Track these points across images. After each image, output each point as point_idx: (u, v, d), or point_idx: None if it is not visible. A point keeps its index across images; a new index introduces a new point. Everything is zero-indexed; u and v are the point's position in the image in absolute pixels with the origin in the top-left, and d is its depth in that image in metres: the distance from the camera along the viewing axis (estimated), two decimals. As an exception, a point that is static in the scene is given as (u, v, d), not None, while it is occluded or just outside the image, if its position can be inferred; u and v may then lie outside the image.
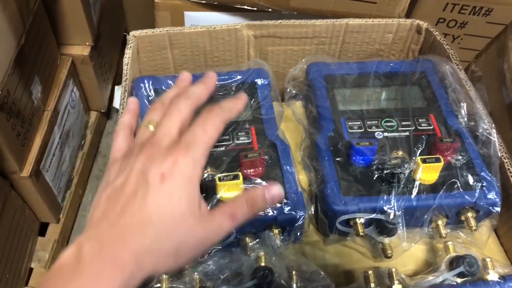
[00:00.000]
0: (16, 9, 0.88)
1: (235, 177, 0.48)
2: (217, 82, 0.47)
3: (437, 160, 0.50)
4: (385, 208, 0.49)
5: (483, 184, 0.51)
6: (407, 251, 0.53)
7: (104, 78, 1.33)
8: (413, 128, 0.56)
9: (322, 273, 0.46)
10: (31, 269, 1.06)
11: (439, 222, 0.51)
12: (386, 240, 0.50)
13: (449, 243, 0.50)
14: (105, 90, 1.35)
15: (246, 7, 0.77)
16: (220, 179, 0.48)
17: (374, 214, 0.49)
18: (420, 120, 0.57)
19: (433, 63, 0.62)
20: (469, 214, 0.51)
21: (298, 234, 0.51)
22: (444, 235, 0.51)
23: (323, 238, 0.54)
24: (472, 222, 0.51)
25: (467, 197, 0.50)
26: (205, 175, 0.50)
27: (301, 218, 0.49)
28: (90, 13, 1.16)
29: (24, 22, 0.91)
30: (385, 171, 0.51)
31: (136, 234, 0.33)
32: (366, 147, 0.52)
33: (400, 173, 0.50)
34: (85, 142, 1.30)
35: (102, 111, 1.35)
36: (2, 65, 0.83)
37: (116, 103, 1.36)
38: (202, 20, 0.80)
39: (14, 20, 0.87)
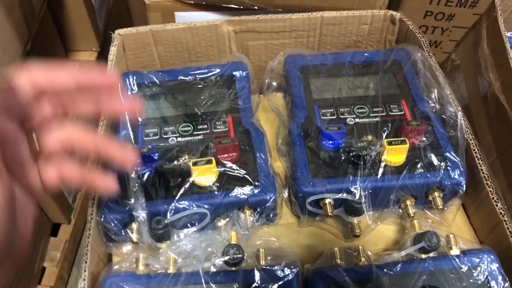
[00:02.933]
0: (21, 16, 0.93)
1: (208, 162, 0.51)
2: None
3: (403, 142, 0.53)
4: (351, 189, 0.51)
5: (448, 165, 0.53)
6: (379, 232, 0.55)
7: (111, 82, 1.38)
8: (384, 114, 0.58)
9: (288, 249, 0.48)
10: (43, 268, 1.10)
11: (408, 202, 0.53)
12: (355, 219, 0.53)
13: (415, 221, 0.52)
14: (113, 94, 1.39)
15: (233, 6, 0.80)
16: (194, 164, 0.51)
17: (340, 194, 0.51)
18: (391, 106, 0.59)
19: (406, 51, 0.64)
20: (436, 194, 0.53)
21: (271, 215, 0.54)
22: (412, 215, 0.53)
23: (298, 221, 0.57)
24: (439, 202, 0.53)
25: (432, 177, 0.52)
26: (181, 161, 0.53)
27: (271, 200, 0.51)
28: (95, 19, 1.20)
29: (30, 29, 0.96)
30: (351, 154, 0.53)
31: None
32: (335, 132, 0.54)
33: (366, 155, 0.52)
34: (94, 144, 1.34)
35: (111, 114, 1.39)
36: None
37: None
38: (191, 19, 0.82)
39: (20, 26, 0.92)
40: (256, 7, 0.80)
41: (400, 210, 0.55)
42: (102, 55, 1.25)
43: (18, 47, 0.92)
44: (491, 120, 0.62)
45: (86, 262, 0.47)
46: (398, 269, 0.47)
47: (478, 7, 0.89)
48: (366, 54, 0.65)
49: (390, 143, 0.52)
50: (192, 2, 0.81)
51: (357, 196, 0.51)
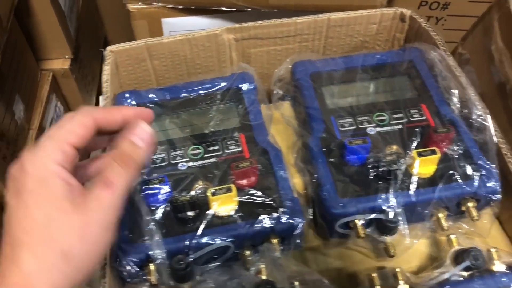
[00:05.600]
0: (-11, 29, 0.86)
1: (228, 190, 0.47)
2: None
3: (433, 152, 0.49)
4: (385, 207, 0.48)
5: (482, 173, 0.50)
6: (415, 247, 0.52)
7: (88, 89, 1.31)
8: (406, 120, 0.55)
9: (325, 281, 0.45)
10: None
11: (440, 215, 0.50)
12: (388, 239, 0.49)
13: (452, 236, 0.49)
14: (89, 101, 1.32)
15: (224, 8, 0.75)
16: (212, 194, 0.46)
17: (374, 214, 0.48)
18: (412, 111, 0.56)
19: (420, 51, 0.61)
20: (470, 204, 0.50)
21: (298, 241, 0.50)
22: (446, 228, 0.50)
23: (324, 242, 0.53)
24: (474, 212, 0.50)
25: (467, 188, 0.49)
26: (197, 190, 0.49)
27: (300, 226, 0.47)
28: (66, 25, 1.14)
29: (-1, 41, 0.89)
30: (380, 169, 0.49)
31: (11, 264, 0.31)
32: (360, 145, 0.50)
33: (396, 169, 0.49)
34: (75, 156, 1.28)
35: (89, 123, 1.33)
36: (-20, 89, 0.81)
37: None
38: (180, 25, 0.78)
39: (-12, 41, 0.85)
40: (249, 9, 0.75)
41: (432, 223, 0.51)
42: (75, 62, 1.19)
43: (-12, 62, 0.85)
44: (513, 117, 0.59)
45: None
46: (445, 293, 0.44)
47: (474, -5, 0.87)
48: (378, 56, 0.61)
49: (420, 154, 0.49)
50: (180, 7, 0.75)
51: (391, 215, 0.48)
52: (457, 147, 0.51)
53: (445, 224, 0.50)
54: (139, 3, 0.74)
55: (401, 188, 0.49)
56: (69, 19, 1.17)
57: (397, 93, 0.58)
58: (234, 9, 0.76)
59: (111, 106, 0.40)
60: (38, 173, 0.33)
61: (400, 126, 0.54)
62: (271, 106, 0.62)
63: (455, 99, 0.55)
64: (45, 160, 0.34)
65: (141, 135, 0.37)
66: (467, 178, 0.50)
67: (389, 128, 0.54)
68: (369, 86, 0.59)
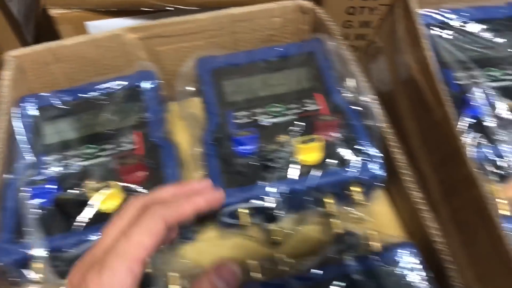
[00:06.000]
0: None
1: (112, 187, 0.48)
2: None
3: (315, 140, 0.50)
4: (266, 195, 0.49)
5: (366, 158, 0.51)
6: (303, 235, 0.53)
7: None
8: (300, 110, 0.56)
9: (199, 270, 0.46)
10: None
11: (328, 201, 0.51)
12: (273, 226, 0.50)
13: (335, 220, 0.49)
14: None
15: (145, 9, 0.76)
16: (94, 190, 0.48)
17: (255, 203, 0.49)
18: (305, 101, 0.56)
19: (320, 42, 0.61)
20: (355, 189, 0.51)
21: (188, 233, 0.51)
22: (333, 213, 0.51)
23: (218, 233, 0.54)
24: (360, 197, 0.50)
25: (350, 173, 0.50)
26: (83, 189, 0.50)
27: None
28: (22, 34, 1.15)
29: None
30: (264, 158, 0.50)
31: None
32: (246, 137, 0.51)
33: (279, 158, 0.50)
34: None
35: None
36: None
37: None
38: (106, 28, 0.78)
39: None
40: (170, 8, 0.76)
41: (323, 209, 0.52)
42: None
43: None
44: (414, 104, 0.60)
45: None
46: (315, 276, 0.44)
47: (402, -16, 0.87)
48: (279, 49, 0.61)
49: (302, 142, 0.50)
50: (103, 10, 0.76)
51: (272, 202, 0.48)
52: (342, 134, 0.52)
53: (332, 209, 0.51)
54: (60, 8, 0.75)
55: (284, 176, 0.50)
56: (25, 28, 1.18)
57: (294, 84, 0.59)
58: (154, 10, 0.77)
59: (182, 195, 0.37)
60: None
61: (293, 117, 0.55)
62: (178, 103, 0.63)
63: (347, 87, 0.56)
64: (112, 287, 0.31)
65: (226, 278, 0.35)
66: (349, 163, 0.50)
67: (282, 118, 0.55)
68: (268, 78, 0.59)
